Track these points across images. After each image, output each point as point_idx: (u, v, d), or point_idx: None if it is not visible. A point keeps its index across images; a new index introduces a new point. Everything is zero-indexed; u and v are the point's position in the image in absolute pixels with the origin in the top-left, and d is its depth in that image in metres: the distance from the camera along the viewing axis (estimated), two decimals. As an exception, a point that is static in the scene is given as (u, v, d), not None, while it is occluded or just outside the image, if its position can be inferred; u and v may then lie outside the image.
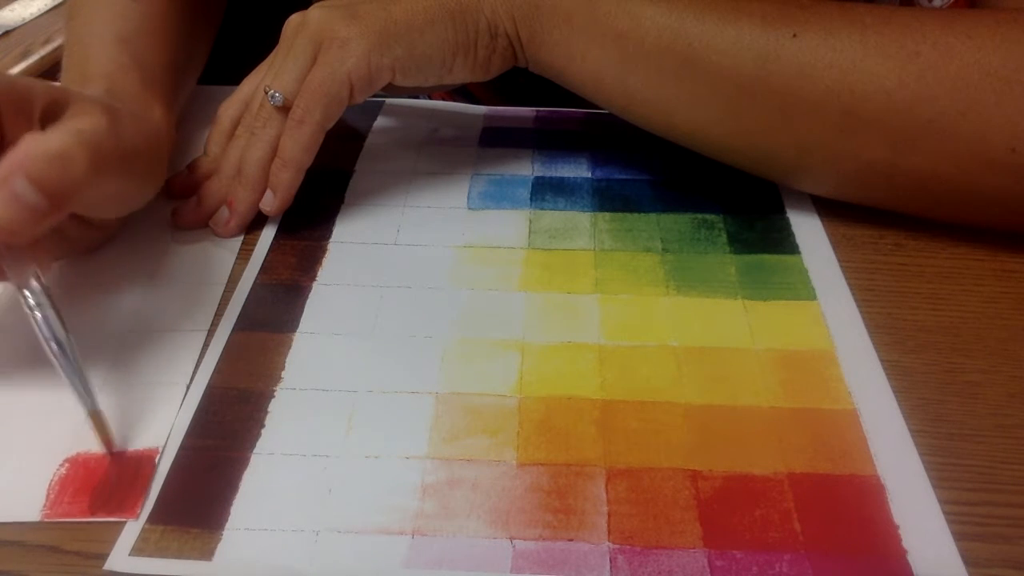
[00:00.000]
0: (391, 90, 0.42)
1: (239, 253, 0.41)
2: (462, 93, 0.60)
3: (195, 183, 0.43)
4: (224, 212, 0.42)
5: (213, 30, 0.53)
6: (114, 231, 0.41)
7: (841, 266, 0.40)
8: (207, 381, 0.34)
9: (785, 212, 0.43)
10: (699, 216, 0.43)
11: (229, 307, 0.37)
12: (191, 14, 0.49)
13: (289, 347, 0.35)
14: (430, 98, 0.57)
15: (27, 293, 0.30)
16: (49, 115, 0.34)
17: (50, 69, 0.66)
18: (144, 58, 0.43)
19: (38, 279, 0.31)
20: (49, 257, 0.31)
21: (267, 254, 0.41)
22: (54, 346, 0.30)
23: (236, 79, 0.45)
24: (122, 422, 0.32)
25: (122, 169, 0.36)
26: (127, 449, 0.31)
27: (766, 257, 0.40)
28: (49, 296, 0.31)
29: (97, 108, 0.35)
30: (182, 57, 0.47)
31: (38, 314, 0.30)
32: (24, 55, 0.66)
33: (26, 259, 0.30)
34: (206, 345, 0.36)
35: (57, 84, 0.36)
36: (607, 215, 0.43)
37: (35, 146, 0.30)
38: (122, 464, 0.31)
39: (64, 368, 0.30)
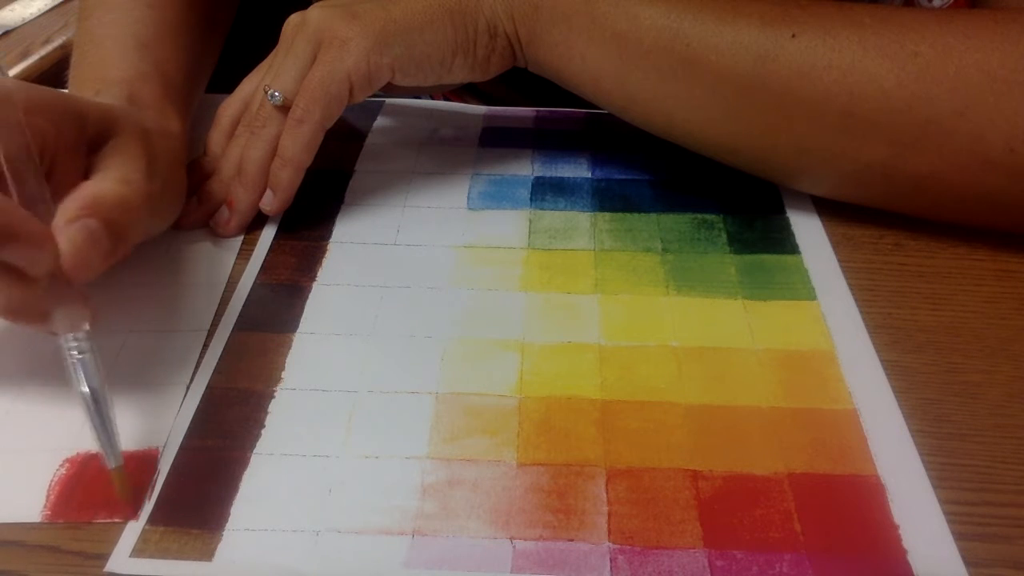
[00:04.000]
0: (391, 90, 0.42)
1: (239, 253, 0.41)
2: (467, 85, 0.60)
3: (195, 183, 0.43)
4: (224, 212, 0.42)
5: (223, 37, 0.53)
6: None
7: (841, 266, 0.40)
8: (207, 381, 0.34)
9: (785, 212, 0.43)
10: (699, 216, 0.43)
11: (229, 307, 0.37)
12: (204, 21, 0.49)
13: (289, 347, 0.35)
14: (431, 98, 0.57)
15: (72, 337, 0.29)
16: (100, 140, 0.34)
17: (50, 69, 0.66)
18: (164, 65, 0.43)
19: (86, 324, 0.30)
20: (91, 303, 0.31)
21: (267, 254, 0.41)
22: (88, 394, 0.29)
23: (235, 84, 0.45)
24: (122, 422, 0.32)
25: (160, 200, 0.37)
26: (127, 449, 0.31)
27: (766, 257, 0.40)
28: (92, 343, 0.30)
29: (139, 142, 0.36)
30: (197, 65, 0.47)
31: (78, 360, 0.29)
32: (24, 55, 0.65)
33: (79, 301, 0.30)
34: (206, 345, 0.35)
35: (105, 104, 0.36)
36: (607, 215, 0.43)
37: (101, 190, 0.32)
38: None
39: (95, 419, 0.29)
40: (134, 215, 0.33)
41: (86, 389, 0.29)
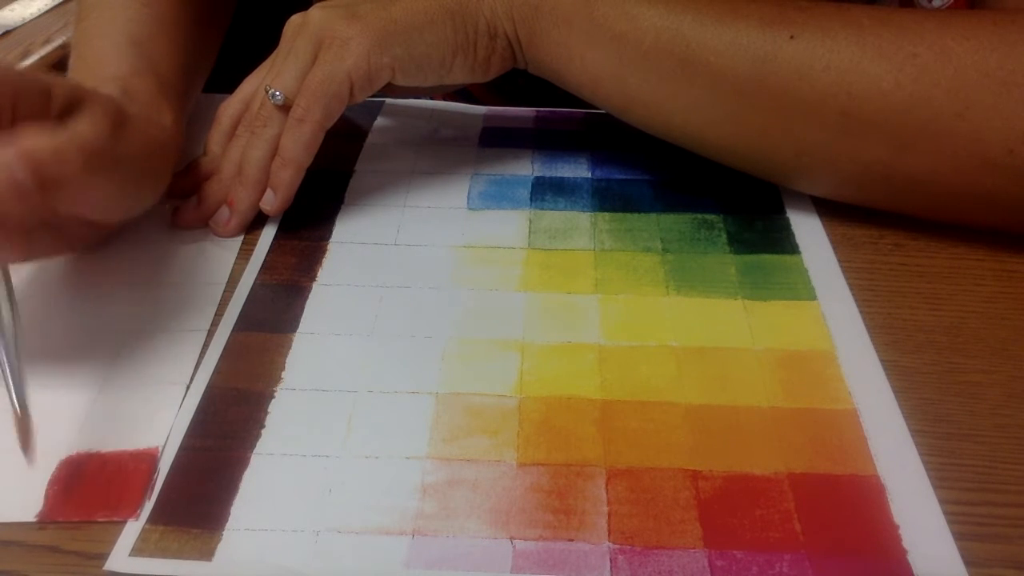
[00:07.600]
0: (391, 91, 0.42)
1: (239, 253, 0.41)
2: (461, 94, 0.60)
3: (195, 183, 0.43)
4: (224, 212, 0.42)
5: (220, 36, 0.53)
6: (113, 230, 0.41)
7: (841, 266, 0.40)
8: (207, 381, 0.34)
9: (785, 212, 0.43)
10: (699, 216, 0.43)
11: (229, 307, 0.37)
12: (201, 20, 0.49)
13: (289, 347, 0.35)
14: (431, 99, 0.57)
15: None
16: (66, 114, 0.34)
17: (50, 69, 0.66)
18: (158, 62, 0.43)
19: (5, 271, 0.31)
20: (25, 252, 0.32)
21: (267, 254, 0.41)
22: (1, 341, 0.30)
23: (235, 84, 0.45)
24: (122, 422, 0.32)
25: (122, 174, 0.36)
26: (126, 449, 0.31)
27: (766, 257, 0.40)
28: (11, 292, 0.31)
29: (105, 111, 0.35)
30: (193, 63, 0.47)
31: None
32: (24, 55, 0.66)
33: (2, 249, 0.31)
34: (206, 345, 0.35)
35: (77, 82, 0.36)
36: (607, 215, 0.43)
37: (33, 134, 0.31)
38: (122, 464, 0.31)
39: (5, 363, 0.30)
40: (69, 165, 0.32)
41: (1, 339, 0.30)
